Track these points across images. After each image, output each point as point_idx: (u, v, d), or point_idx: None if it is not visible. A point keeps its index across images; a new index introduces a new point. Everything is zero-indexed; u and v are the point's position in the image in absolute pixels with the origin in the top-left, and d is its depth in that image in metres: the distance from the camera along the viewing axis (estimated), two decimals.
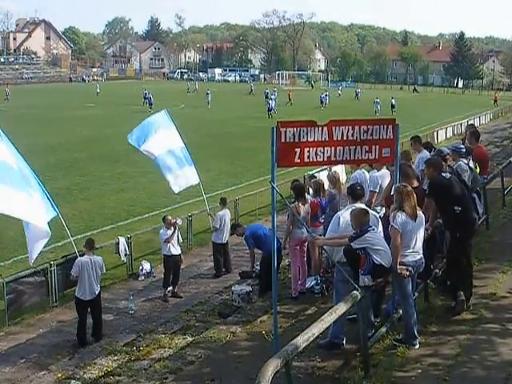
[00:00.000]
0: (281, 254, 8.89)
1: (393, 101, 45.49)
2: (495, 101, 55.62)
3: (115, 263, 11.92)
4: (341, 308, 5.15)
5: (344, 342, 6.10)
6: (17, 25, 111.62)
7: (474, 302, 6.82)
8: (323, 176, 12.09)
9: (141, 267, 11.91)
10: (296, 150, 5.42)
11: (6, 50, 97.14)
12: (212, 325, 8.14)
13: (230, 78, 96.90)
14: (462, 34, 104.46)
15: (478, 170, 8.81)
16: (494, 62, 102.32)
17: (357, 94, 62.15)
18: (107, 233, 14.04)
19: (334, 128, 5.58)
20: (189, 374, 6.21)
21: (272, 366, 4.05)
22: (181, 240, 11.15)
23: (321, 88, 71.69)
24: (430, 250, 6.78)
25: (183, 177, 12.67)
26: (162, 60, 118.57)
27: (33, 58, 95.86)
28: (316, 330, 4.72)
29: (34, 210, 8.70)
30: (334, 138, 5.58)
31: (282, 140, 5.32)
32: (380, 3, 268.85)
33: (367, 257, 5.62)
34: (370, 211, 6.18)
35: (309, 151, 5.47)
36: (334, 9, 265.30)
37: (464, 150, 8.35)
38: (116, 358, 7.68)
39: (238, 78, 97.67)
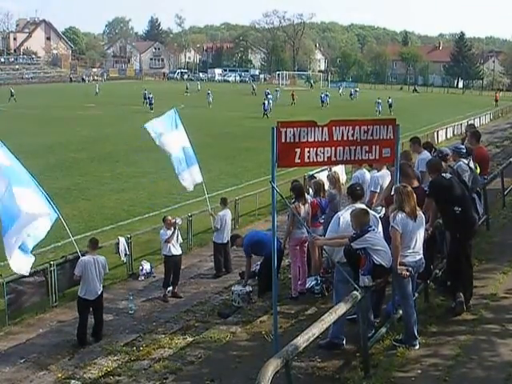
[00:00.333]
0: (282, 254, 8.87)
1: (390, 100, 45.58)
2: (496, 100, 55.73)
3: (115, 263, 11.91)
4: (341, 308, 5.15)
5: (344, 342, 6.10)
6: (17, 25, 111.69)
7: (474, 303, 6.82)
8: (323, 176, 12.09)
9: (141, 267, 11.92)
10: (296, 150, 5.42)
11: (6, 50, 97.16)
12: (212, 325, 8.14)
13: (230, 79, 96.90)
14: (462, 34, 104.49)
15: (478, 171, 8.81)
16: (494, 62, 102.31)
17: (351, 94, 62.18)
18: (107, 233, 14.04)
19: (334, 128, 5.58)
20: (189, 374, 6.21)
21: (272, 366, 4.05)
22: (181, 240, 11.15)
23: (321, 88, 71.69)
24: (430, 250, 6.78)
25: (191, 175, 12.81)
26: (162, 60, 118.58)
27: (33, 58, 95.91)
28: (316, 330, 4.72)
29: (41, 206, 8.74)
30: (335, 139, 5.58)
31: (282, 140, 5.32)
32: (380, 3, 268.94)
33: (367, 257, 5.61)
34: (370, 211, 6.18)
35: (309, 151, 5.47)
36: (334, 9, 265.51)
37: (464, 151, 8.34)
38: (116, 358, 7.68)
39: (238, 78, 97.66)
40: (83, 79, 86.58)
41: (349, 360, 5.87)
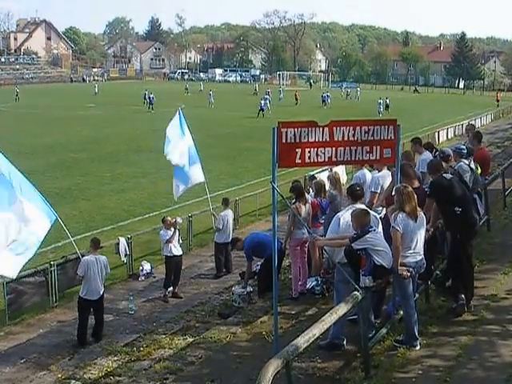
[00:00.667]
0: (283, 254, 8.85)
1: (387, 100, 45.63)
2: (498, 101, 55.74)
3: (115, 263, 11.90)
4: (341, 309, 5.14)
5: (344, 342, 6.09)
6: (17, 25, 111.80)
7: (474, 304, 6.81)
8: (324, 177, 12.08)
9: (141, 267, 11.91)
10: (297, 150, 5.42)
11: (6, 50, 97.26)
12: (212, 325, 8.13)
13: (230, 79, 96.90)
14: (463, 35, 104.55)
15: (479, 171, 8.80)
16: (495, 62, 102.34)
17: (348, 94, 62.14)
18: (107, 233, 14.03)
19: (334, 128, 5.57)
20: (189, 375, 6.21)
21: (272, 367, 4.04)
22: (181, 241, 11.15)
23: (322, 89, 71.70)
24: (431, 250, 6.77)
25: (192, 175, 12.81)
26: (163, 60, 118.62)
27: (33, 58, 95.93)
28: (316, 330, 4.71)
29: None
30: (335, 139, 5.57)
31: (283, 140, 5.31)
32: (381, 3, 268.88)
33: (368, 257, 5.60)
34: (371, 212, 6.16)
35: (310, 152, 5.47)
36: (335, 9, 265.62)
37: (465, 151, 8.33)
38: (116, 358, 7.67)
39: (238, 78, 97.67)
40: (84, 79, 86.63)
41: (349, 361, 5.86)
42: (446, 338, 6.13)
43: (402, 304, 6.07)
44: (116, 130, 33.71)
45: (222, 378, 5.82)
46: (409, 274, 5.85)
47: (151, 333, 8.63)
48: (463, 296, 6.61)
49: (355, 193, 6.37)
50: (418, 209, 5.99)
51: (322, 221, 8.42)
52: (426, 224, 6.26)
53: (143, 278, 11.78)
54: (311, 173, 14.15)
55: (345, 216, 6.13)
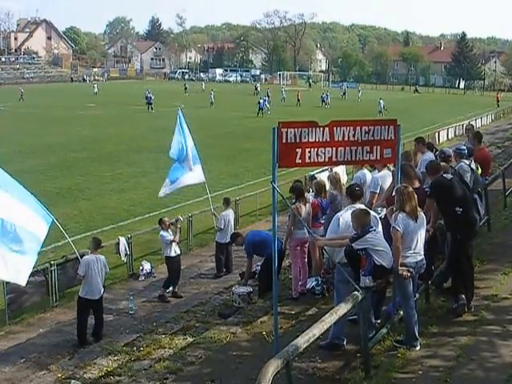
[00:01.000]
0: (283, 254, 8.85)
1: (381, 102, 45.75)
2: (498, 101, 55.67)
3: (115, 263, 11.90)
4: (341, 309, 5.14)
5: (345, 342, 6.09)
6: (18, 24, 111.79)
7: (475, 304, 6.81)
8: (324, 177, 12.08)
9: (141, 267, 11.91)
10: (297, 150, 5.42)
11: (7, 50, 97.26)
12: (212, 325, 8.13)
13: (231, 79, 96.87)
14: (463, 35, 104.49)
15: (479, 172, 8.80)
16: (495, 62, 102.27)
17: (344, 94, 62.14)
18: (107, 233, 14.03)
19: (335, 128, 5.57)
20: (189, 375, 6.20)
21: (272, 367, 4.04)
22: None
23: (322, 88, 71.70)
24: (431, 251, 6.77)
25: (192, 175, 12.81)
26: (163, 60, 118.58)
27: (34, 58, 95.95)
28: (317, 330, 4.71)
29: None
30: (336, 139, 5.57)
31: (283, 140, 5.31)
32: (381, 3, 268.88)
33: (368, 257, 5.60)
34: (371, 212, 6.16)
35: (310, 152, 5.46)
36: (336, 9, 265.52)
37: (466, 151, 8.33)
38: (116, 358, 7.67)
39: (238, 78, 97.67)
40: (84, 79, 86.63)
41: (349, 361, 5.86)
42: (446, 338, 6.13)
43: (402, 304, 6.07)
44: (116, 129, 33.71)
45: (221, 378, 5.82)
46: (409, 274, 5.84)
47: (151, 333, 8.62)
48: (464, 296, 6.60)
49: (354, 193, 6.37)
50: (419, 209, 5.98)
51: (323, 221, 8.41)
52: (427, 224, 6.26)
53: (143, 277, 11.78)
54: (311, 173, 14.15)
55: (344, 216, 6.12)
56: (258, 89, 64.00)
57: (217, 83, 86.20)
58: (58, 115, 40.07)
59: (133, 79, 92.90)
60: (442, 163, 7.58)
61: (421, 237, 5.98)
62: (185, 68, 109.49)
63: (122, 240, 11.85)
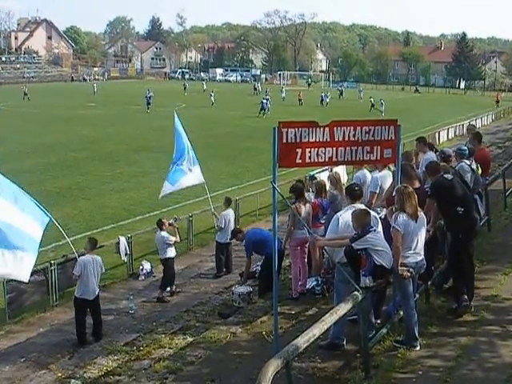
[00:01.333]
0: (283, 254, 8.86)
1: (372, 100, 45.89)
2: (497, 101, 55.54)
3: (115, 263, 11.92)
4: (341, 309, 5.14)
5: (344, 342, 6.09)
6: (18, 24, 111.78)
7: (475, 304, 6.80)
8: (324, 177, 12.07)
9: (141, 267, 11.91)
10: (297, 150, 5.42)
11: (7, 49, 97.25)
12: (212, 325, 8.13)
13: (231, 78, 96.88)
14: (464, 35, 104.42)
15: (479, 172, 8.80)
16: (496, 62, 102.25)
17: (341, 93, 62.15)
18: (108, 232, 14.04)
19: (335, 129, 5.57)
20: (189, 374, 6.20)
21: (272, 367, 4.04)
22: None
23: (322, 88, 71.68)
24: (432, 251, 6.77)
25: (191, 175, 12.81)
26: (164, 60, 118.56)
27: (34, 58, 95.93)
28: (317, 330, 4.71)
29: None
30: (336, 139, 5.57)
31: (284, 140, 5.31)
32: (382, 3, 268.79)
33: (368, 258, 5.60)
34: (371, 212, 6.16)
35: (310, 152, 5.46)
36: (336, 9, 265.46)
37: (467, 152, 8.33)
38: (116, 357, 7.67)
39: (239, 78, 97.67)
40: (84, 79, 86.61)
41: (349, 361, 5.86)
42: (446, 338, 6.13)
43: (402, 304, 6.07)
44: (116, 129, 33.71)
45: (221, 378, 5.81)
46: (409, 274, 5.84)
47: (151, 332, 8.62)
48: (466, 297, 6.60)
49: (354, 193, 6.37)
50: (419, 209, 5.98)
51: (323, 221, 8.41)
52: (427, 224, 6.26)
53: (143, 277, 11.78)
54: (311, 173, 14.14)
55: (344, 216, 6.12)
56: (258, 89, 63.99)
57: (217, 83, 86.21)
58: (58, 114, 40.06)
59: (133, 79, 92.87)
60: (442, 163, 7.58)
61: (421, 237, 5.97)
62: (185, 68, 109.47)
63: (122, 240, 11.86)
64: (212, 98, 48.58)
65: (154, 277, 11.76)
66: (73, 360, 8.09)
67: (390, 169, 7.82)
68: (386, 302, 6.63)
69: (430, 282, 7.11)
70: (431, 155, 8.53)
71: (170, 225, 10.99)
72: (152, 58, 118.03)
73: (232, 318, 8.27)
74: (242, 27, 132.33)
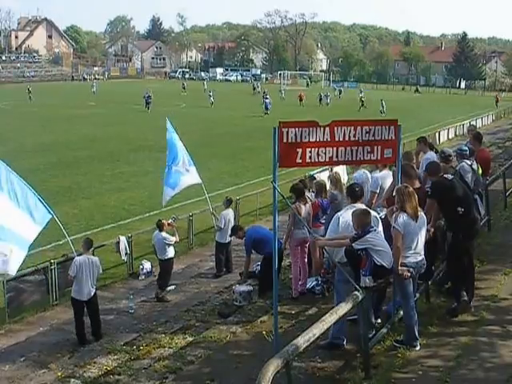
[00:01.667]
0: (282, 254, 8.85)
1: (363, 97, 45.84)
2: (497, 101, 55.47)
3: (115, 262, 11.92)
4: (342, 309, 5.14)
5: (345, 342, 6.09)
6: (19, 23, 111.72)
7: (475, 304, 6.80)
8: (324, 177, 12.07)
9: (141, 266, 11.91)
10: (298, 150, 5.41)
11: (7, 49, 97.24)
12: (212, 325, 8.12)
13: (231, 78, 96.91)
14: (464, 35, 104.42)
15: (480, 172, 8.79)
16: (496, 62, 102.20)
17: (340, 93, 62.14)
18: (108, 232, 14.03)
19: (335, 128, 5.56)
20: (189, 374, 6.20)
21: (272, 367, 4.04)
22: None
23: (322, 88, 71.67)
24: (432, 251, 6.76)
25: (189, 176, 12.82)
26: (164, 59, 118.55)
27: (34, 57, 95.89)
28: (317, 330, 4.71)
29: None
30: (336, 139, 5.57)
31: (284, 140, 5.30)
32: (382, 3, 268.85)
33: (368, 257, 5.60)
34: (371, 212, 6.16)
35: (310, 152, 5.46)
36: (336, 9, 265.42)
37: (467, 152, 8.32)
38: (116, 357, 7.67)
39: (239, 77, 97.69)
40: (84, 78, 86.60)
41: (349, 360, 5.86)
42: (446, 338, 6.13)
43: (403, 304, 6.07)
44: (117, 128, 33.71)
45: (221, 378, 5.82)
46: (409, 274, 5.84)
47: (151, 332, 8.62)
48: (465, 293, 6.59)
49: (354, 193, 6.36)
50: (419, 209, 5.98)
51: (323, 221, 8.40)
52: (427, 224, 6.26)
53: (143, 276, 11.78)
54: (311, 172, 14.14)
55: (344, 216, 6.11)
56: (258, 88, 63.95)
57: (217, 82, 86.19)
58: (58, 114, 40.06)
59: (133, 78, 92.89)
60: (443, 163, 7.57)
61: (421, 237, 5.97)
62: (185, 67, 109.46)
63: (123, 239, 11.86)
64: (211, 98, 48.58)
65: (155, 276, 11.74)
66: (73, 359, 8.09)
67: (390, 168, 7.81)
68: (386, 301, 6.63)
69: (430, 282, 7.11)
70: (432, 155, 8.52)
71: (168, 224, 10.99)
72: (152, 58, 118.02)
73: (232, 317, 8.27)
74: (243, 27, 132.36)
